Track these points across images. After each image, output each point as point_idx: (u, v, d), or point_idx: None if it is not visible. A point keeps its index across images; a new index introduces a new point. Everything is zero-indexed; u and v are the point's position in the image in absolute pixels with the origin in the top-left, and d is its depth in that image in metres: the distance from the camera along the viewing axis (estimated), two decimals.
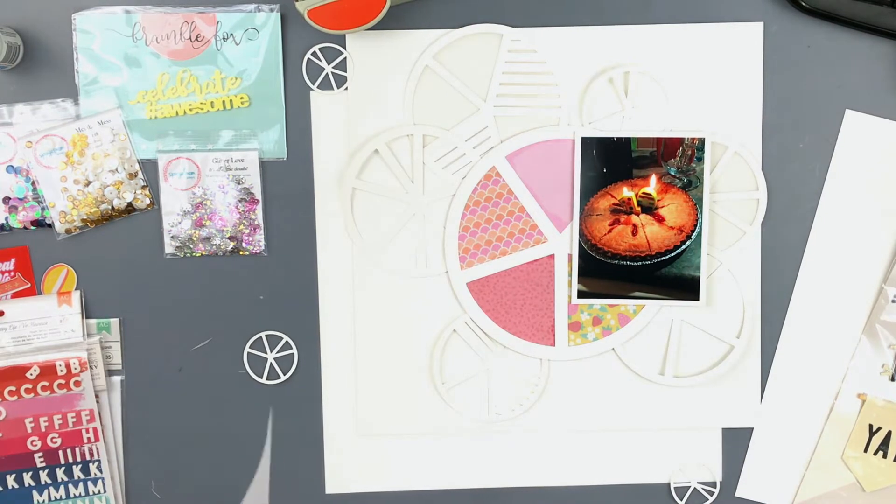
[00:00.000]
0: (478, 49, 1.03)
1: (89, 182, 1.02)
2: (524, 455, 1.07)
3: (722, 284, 1.05)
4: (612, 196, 1.03)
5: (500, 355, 1.06)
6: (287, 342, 1.06)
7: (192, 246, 1.04)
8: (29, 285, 1.04)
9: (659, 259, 1.03)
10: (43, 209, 1.03)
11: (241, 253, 1.04)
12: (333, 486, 1.07)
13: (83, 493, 1.05)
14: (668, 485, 1.08)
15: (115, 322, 1.05)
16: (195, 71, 1.02)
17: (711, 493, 1.07)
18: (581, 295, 1.04)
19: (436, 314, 1.05)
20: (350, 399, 1.06)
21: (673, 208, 1.02)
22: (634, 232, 1.03)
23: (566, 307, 1.05)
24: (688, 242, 1.02)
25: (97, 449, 1.05)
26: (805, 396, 1.06)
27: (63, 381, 1.02)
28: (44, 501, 1.05)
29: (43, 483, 1.05)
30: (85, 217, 1.03)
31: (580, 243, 1.03)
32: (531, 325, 1.05)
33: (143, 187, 1.03)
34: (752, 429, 1.07)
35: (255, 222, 1.04)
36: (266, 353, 1.06)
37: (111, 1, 1.01)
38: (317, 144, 1.04)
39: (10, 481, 1.04)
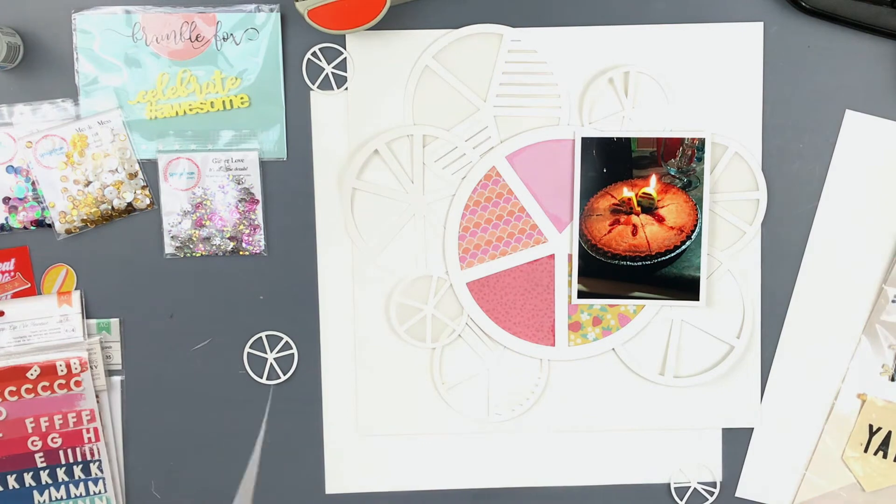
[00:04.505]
0: (478, 49, 1.02)
1: (89, 182, 1.02)
2: (524, 455, 1.07)
3: (722, 284, 1.05)
4: (612, 196, 1.03)
5: (500, 355, 1.06)
6: (287, 342, 1.06)
7: (192, 246, 1.04)
8: (29, 285, 1.04)
9: (659, 259, 1.03)
10: (43, 209, 1.03)
11: (241, 253, 1.04)
12: (333, 486, 1.07)
13: (84, 493, 1.05)
14: (668, 485, 1.08)
15: (115, 322, 1.05)
16: (195, 71, 1.02)
17: (711, 493, 1.07)
18: (581, 295, 1.04)
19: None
20: (350, 399, 1.06)
21: (673, 208, 1.02)
22: (634, 232, 1.03)
23: (566, 307, 1.05)
24: (688, 242, 1.02)
25: (98, 449, 1.05)
26: (805, 396, 1.06)
27: (63, 381, 1.03)
28: (45, 501, 1.05)
29: (44, 483, 1.05)
30: (85, 217, 1.03)
31: (580, 243, 1.03)
32: (531, 325, 1.05)
33: (143, 187, 1.03)
34: (752, 429, 1.07)
35: (255, 222, 1.04)
36: (266, 353, 1.06)
37: (111, 1, 1.01)
38: (317, 144, 1.04)
39: (11, 481, 1.04)
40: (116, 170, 1.02)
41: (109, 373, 1.05)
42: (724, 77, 1.03)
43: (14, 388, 1.02)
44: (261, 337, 1.06)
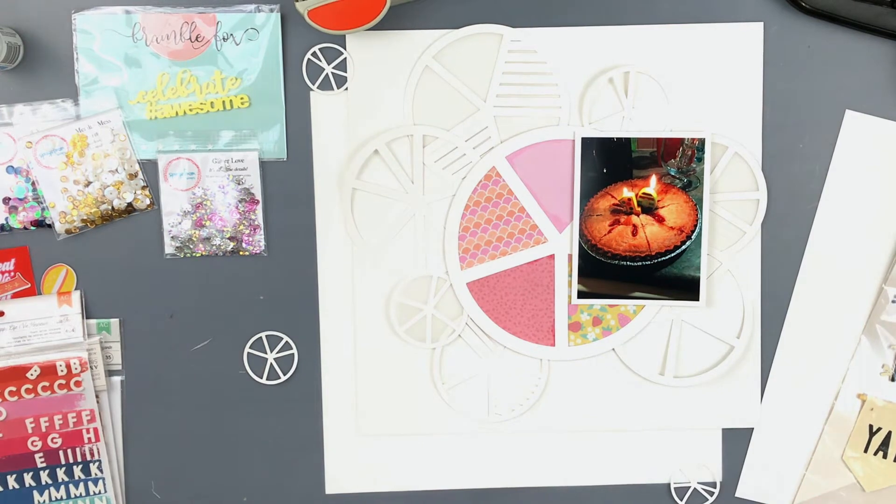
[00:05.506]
0: (478, 49, 1.02)
1: (89, 182, 1.02)
2: (524, 455, 1.07)
3: (722, 284, 1.05)
4: (613, 196, 1.03)
5: (500, 355, 1.06)
6: (287, 342, 1.06)
7: (192, 246, 1.04)
8: (29, 285, 1.04)
9: (659, 259, 1.03)
10: (43, 209, 1.03)
11: (241, 253, 1.04)
12: (333, 486, 1.07)
13: (84, 494, 1.05)
14: (668, 485, 1.08)
15: (115, 322, 1.05)
16: (195, 71, 1.02)
17: (711, 493, 1.07)
18: (581, 295, 1.04)
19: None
20: (350, 399, 1.06)
21: (673, 208, 1.02)
22: (634, 232, 1.03)
23: (566, 307, 1.05)
24: (688, 243, 1.02)
25: (97, 449, 1.05)
26: (805, 396, 1.06)
27: (63, 382, 1.03)
28: (44, 502, 1.05)
29: (44, 483, 1.05)
30: (85, 217, 1.03)
31: (580, 243, 1.03)
32: (531, 325, 1.05)
33: (143, 187, 1.03)
34: (752, 429, 1.07)
35: (255, 222, 1.04)
36: (266, 353, 1.06)
37: (111, 1, 1.01)
38: (317, 144, 1.04)
39: (11, 482, 1.04)
40: (116, 170, 1.02)
41: (109, 373, 1.05)
42: (724, 77, 1.03)
43: (14, 389, 1.02)
44: (261, 337, 1.06)
